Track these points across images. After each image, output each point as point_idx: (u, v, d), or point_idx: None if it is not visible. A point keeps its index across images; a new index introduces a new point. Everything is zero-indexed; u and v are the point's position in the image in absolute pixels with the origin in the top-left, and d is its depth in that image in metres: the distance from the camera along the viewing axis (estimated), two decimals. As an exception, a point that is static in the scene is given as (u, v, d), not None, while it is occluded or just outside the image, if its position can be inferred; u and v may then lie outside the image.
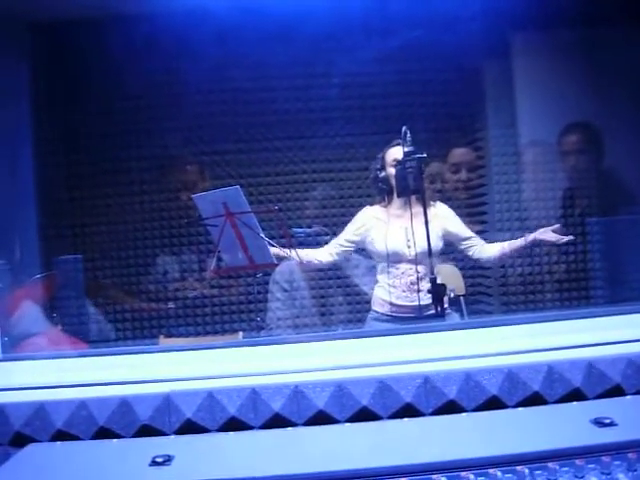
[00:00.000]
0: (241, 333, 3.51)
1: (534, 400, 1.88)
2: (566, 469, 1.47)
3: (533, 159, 3.70)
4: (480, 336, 2.06)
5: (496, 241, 3.17)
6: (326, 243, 3.34)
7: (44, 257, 3.27)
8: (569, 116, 3.55)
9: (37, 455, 1.75)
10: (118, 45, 3.19)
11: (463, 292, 3.38)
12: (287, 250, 3.03)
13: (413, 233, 2.89)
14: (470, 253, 3.08)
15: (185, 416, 1.86)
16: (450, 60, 3.50)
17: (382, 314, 3.06)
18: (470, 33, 3.32)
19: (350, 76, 3.57)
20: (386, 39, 3.40)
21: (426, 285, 2.87)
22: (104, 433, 1.86)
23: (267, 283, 3.46)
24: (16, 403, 1.89)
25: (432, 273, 2.70)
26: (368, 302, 3.26)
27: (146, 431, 1.85)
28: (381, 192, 3.09)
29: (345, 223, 3.53)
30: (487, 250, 3.08)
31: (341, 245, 3.13)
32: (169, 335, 3.54)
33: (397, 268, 3.01)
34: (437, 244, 2.97)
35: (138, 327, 3.57)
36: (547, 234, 2.99)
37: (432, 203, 3.03)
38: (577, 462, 1.47)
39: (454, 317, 3.05)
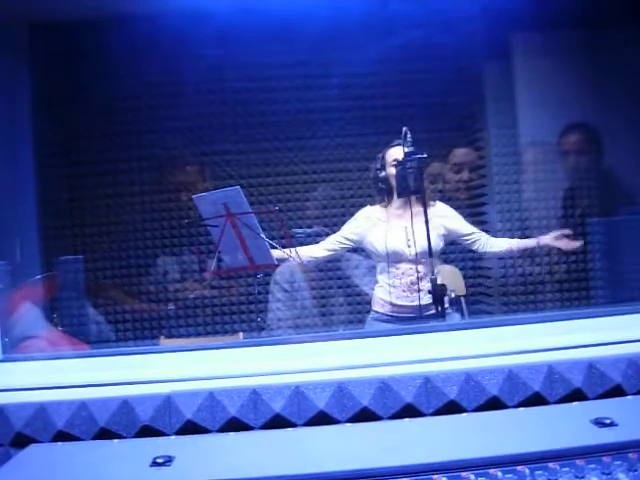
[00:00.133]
0: (242, 334, 3.51)
1: (535, 400, 1.88)
2: (567, 469, 1.47)
3: (533, 159, 3.70)
4: (481, 336, 2.06)
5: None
6: (325, 242, 3.35)
7: (44, 257, 3.27)
8: (569, 116, 3.55)
9: (38, 456, 1.75)
10: (118, 45, 3.19)
11: (463, 292, 3.38)
12: (287, 251, 3.04)
13: (413, 233, 2.89)
14: (475, 247, 3.09)
15: (186, 417, 1.86)
16: (450, 60, 3.50)
17: (382, 314, 3.06)
18: (471, 33, 3.33)
19: (350, 77, 3.57)
20: (386, 39, 3.40)
21: (426, 285, 2.87)
22: (105, 434, 1.86)
23: (267, 284, 3.46)
24: (17, 404, 1.89)
25: (432, 273, 2.70)
26: (368, 302, 3.27)
27: (147, 432, 1.85)
28: (381, 192, 3.09)
29: (345, 223, 3.54)
30: (494, 244, 3.10)
31: (338, 242, 3.13)
32: (169, 336, 3.54)
33: (397, 268, 3.01)
34: (437, 244, 2.97)
35: (138, 328, 3.57)
36: (561, 240, 3.00)
37: (432, 203, 3.03)
38: (578, 462, 1.47)
39: (454, 317, 3.05)
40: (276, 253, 3.01)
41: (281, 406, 1.87)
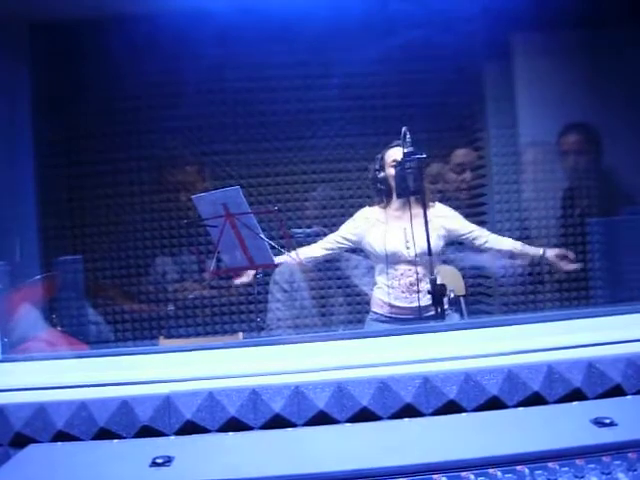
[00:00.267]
0: (241, 334, 3.51)
1: (534, 400, 1.88)
2: (566, 469, 1.47)
3: (533, 159, 3.70)
4: (480, 336, 2.06)
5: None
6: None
7: (44, 258, 3.27)
8: (569, 116, 3.55)
9: (37, 456, 1.75)
10: (118, 45, 3.19)
11: (463, 292, 3.38)
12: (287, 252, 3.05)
13: (412, 234, 2.89)
14: (477, 244, 3.07)
15: (185, 417, 1.86)
16: (450, 60, 3.50)
17: (381, 315, 3.06)
18: (470, 33, 3.33)
19: (350, 77, 3.57)
20: (386, 39, 3.40)
21: (425, 286, 2.87)
22: (104, 434, 1.85)
23: (267, 284, 3.46)
24: (16, 404, 1.88)
25: (432, 274, 2.69)
26: (368, 303, 3.27)
27: (146, 432, 1.85)
28: (380, 193, 3.09)
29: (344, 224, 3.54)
30: (497, 242, 3.09)
31: (336, 242, 3.13)
32: (169, 336, 3.55)
33: (396, 269, 3.01)
34: (437, 244, 2.96)
35: (138, 328, 3.57)
36: (562, 261, 3.02)
37: (431, 204, 3.03)
38: (577, 462, 1.47)
39: (454, 317, 3.05)
40: (282, 259, 3.05)
41: (281, 406, 1.87)
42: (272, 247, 2.99)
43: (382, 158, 3.06)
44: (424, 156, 2.72)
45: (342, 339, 2.13)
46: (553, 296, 3.55)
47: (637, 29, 3.16)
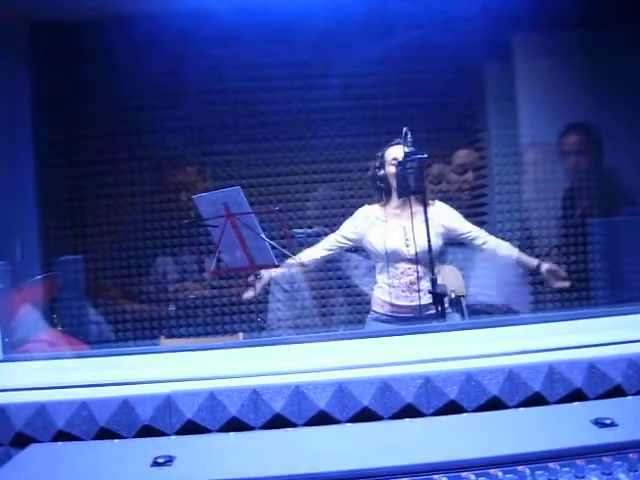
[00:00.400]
0: (242, 334, 3.51)
1: (535, 400, 1.88)
2: (567, 469, 1.47)
3: (534, 159, 3.70)
4: (481, 336, 2.06)
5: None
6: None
7: (45, 258, 3.27)
8: (570, 117, 3.55)
9: (38, 455, 1.75)
10: (118, 46, 3.19)
11: (463, 292, 3.38)
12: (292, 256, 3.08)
13: (412, 232, 2.89)
14: (476, 244, 3.07)
15: (186, 417, 1.86)
16: (451, 60, 3.49)
17: (382, 314, 3.06)
18: (471, 33, 3.33)
19: (351, 77, 3.57)
20: (387, 39, 3.40)
21: (426, 285, 2.87)
22: (105, 433, 1.86)
23: (268, 284, 3.46)
24: (17, 404, 1.89)
25: (432, 273, 2.70)
26: (368, 302, 3.26)
27: (147, 431, 1.85)
28: (379, 191, 3.09)
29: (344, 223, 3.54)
30: (495, 245, 3.09)
31: (337, 241, 3.13)
32: (170, 336, 3.55)
33: (396, 268, 3.01)
34: (436, 243, 2.96)
35: (139, 328, 3.57)
36: (554, 277, 3.04)
37: (431, 202, 3.03)
38: (578, 462, 1.47)
39: (455, 317, 3.05)
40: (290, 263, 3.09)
41: (281, 406, 1.87)
42: (273, 247, 2.99)
43: (382, 156, 3.06)
44: (425, 156, 2.72)
45: (343, 339, 2.13)
46: (554, 297, 3.55)
47: (638, 29, 3.16)
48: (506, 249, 3.11)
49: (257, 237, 2.92)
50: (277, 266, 3.12)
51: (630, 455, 1.48)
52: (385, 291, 3.04)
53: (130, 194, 3.68)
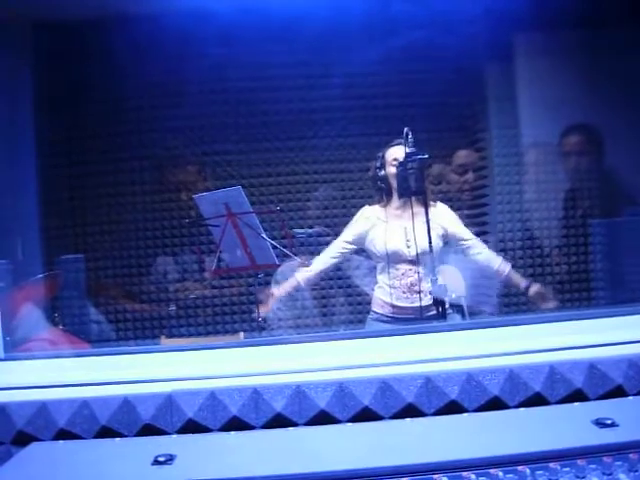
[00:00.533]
0: (242, 333, 3.51)
1: (536, 401, 1.88)
2: (567, 469, 1.47)
3: (535, 160, 3.70)
4: (482, 337, 2.06)
5: (503, 250, 3.25)
6: (327, 244, 3.35)
7: (46, 257, 3.27)
8: (571, 117, 3.55)
9: (39, 454, 1.75)
10: (120, 45, 3.20)
11: (464, 293, 3.37)
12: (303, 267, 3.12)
13: (413, 233, 2.89)
14: (470, 253, 3.07)
15: (187, 416, 1.86)
16: (452, 61, 3.49)
17: (382, 315, 3.06)
18: (473, 34, 3.33)
19: (352, 77, 3.57)
20: (388, 40, 3.40)
21: (426, 286, 2.87)
22: (106, 432, 1.86)
23: (268, 283, 3.46)
24: (19, 402, 1.89)
25: (433, 274, 2.70)
26: (368, 303, 3.26)
27: (148, 430, 1.85)
28: (380, 191, 3.09)
29: (347, 224, 3.54)
30: (489, 259, 3.08)
31: (342, 247, 3.13)
32: (170, 335, 3.55)
33: (397, 269, 3.01)
34: (437, 244, 2.96)
35: (139, 327, 3.57)
36: (541, 301, 3.09)
37: (432, 203, 3.03)
38: (578, 462, 1.47)
39: (455, 318, 3.05)
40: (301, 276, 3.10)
41: (282, 405, 1.87)
42: (274, 247, 2.99)
43: (383, 156, 3.06)
44: (426, 156, 2.72)
45: (343, 339, 2.13)
46: (555, 297, 3.55)
47: (638, 29, 3.16)
48: (498, 264, 3.09)
49: (258, 237, 2.92)
50: (278, 265, 3.13)
51: (630, 455, 1.48)
52: (386, 292, 3.04)
53: (131, 193, 3.68)
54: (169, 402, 1.87)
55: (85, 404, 1.87)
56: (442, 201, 3.17)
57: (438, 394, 1.88)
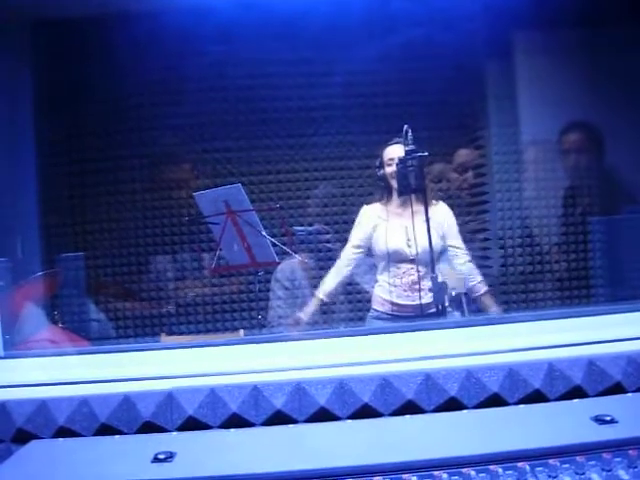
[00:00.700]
0: (242, 331, 3.52)
1: (535, 397, 1.88)
2: (567, 466, 1.47)
3: (534, 158, 3.70)
4: (481, 334, 2.06)
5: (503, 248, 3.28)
6: (327, 242, 3.36)
7: (46, 255, 3.27)
8: (571, 115, 3.55)
9: (39, 452, 1.76)
10: (119, 43, 3.20)
11: (464, 290, 3.38)
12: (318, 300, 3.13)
13: (414, 232, 2.89)
14: (454, 262, 3.06)
15: (187, 413, 1.86)
16: (452, 59, 3.49)
17: (382, 313, 3.07)
18: (472, 32, 3.33)
19: (352, 74, 3.57)
20: (388, 37, 3.40)
21: (427, 284, 2.87)
22: (106, 430, 1.86)
23: (268, 281, 3.47)
24: (18, 400, 1.89)
25: (433, 271, 2.70)
26: (369, 301, 3.27)
27: (148, 428, 1.85)
28: (381, 190, 3.10)
29: (346, 222, 3.56)
30: (468, 274, 3.06)
31: (353, 253, 3.13)
32: (170, 333, 3.55)
33: (398, 267, 3.01)
34: (437, 242, 2.96)
35: (139, 325, 3.58)
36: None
37: (434, 202, 3.03)
38: (578, 459, 1.47)
39: (455, 315, 3.05)
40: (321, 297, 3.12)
41: (282, 402, 1.87)
42: (274, 244, 3.00)
43: (381, 156, 3.07)
44: (425, 154, 2.72)
45: (343, 336, 2.13)
46: (554, 294, 3.56)
47: (638, 27, 3.16)
48: (476, 282, 3.07)
49: (258, 234, 2.92)
50: (278, 263, 3.13)
51: (630, 452, 1.48)
52: (386, 290, 3.04)
53: (131, 191, 3.69)
54: (169, 399, 1.87)
55: (85, 402, 1.87)
56: (442, 199, 3.18)
57: (438, 391, 1.88)
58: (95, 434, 1.86)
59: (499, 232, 3.65)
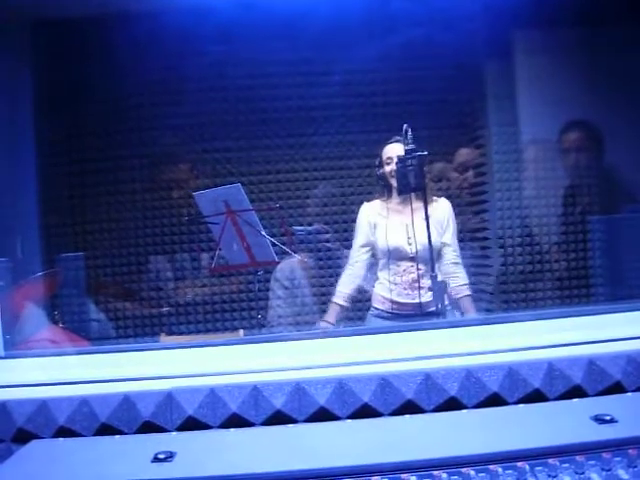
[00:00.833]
0: (242, 331, 3.52)
1: (535, 397, 1.88)
2: (566, 465, 1.47)
3: (534, 157, 3.70)
4: (481, 333, 2.07)
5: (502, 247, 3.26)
6: (327, 241, 3.36)
7: (46, 255, 3.27)
8: (570, 114, 3.55)
9: (39, 451, 1.76)
10: (119, 43, 3.19)
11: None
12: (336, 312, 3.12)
13: (414, 230, 2.89)
14: (442, 259, 3.04)
15: (187, 413, 1.86)
16: (452, 58, 3.50)
17: (383, 311, 3.07)
18: (472, 31, 3.33)
19: (351, 74, 3.57)
20: (388, 37, 3.40)
21: (427, 283, 2.87)
22: (106, 430, 1.86)
23: (268, 281, 3.47)
24: (19, 400, 1.89)
25: (433, 270, 2.70)
26: (368, 299, 3.27)
27: (148, 428, 1.86)
28: (381, 189, 3.11)
29: (346, 221, 3.56)
30: (453, 274, 3.03)
31: (361, 253, 3.11)
32: (170, 333, 3.55)
33: (398, 265, 3.01)
34: (437, 240, 2.96)
35: (139, 325, 3.58)
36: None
37: (435, 199, 3.04)
38: (577, 458, 1.47)
39: (454, 314, 3.05)
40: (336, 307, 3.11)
41: (282, 402, 1.87)
42: (273, 244, 3.00)
43: (380, 155, 3.08)
44: (425, 153, 2.72)
45: (343, 336, 2.13)
46: (554, 293, 3.56)
47: (637, 27, 3.16)
48: (459, 284, 3.04)
49: (257, 234, 2.92)
50: (277, 263, 3.13)
51: (630, 451, 1.48)
52: (386, 288, 3.04)
53: (130, 191, 3.69)
54: (169, 399, 1.87)
55: (85, 402, 1.87)
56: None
57: (437, 390, 1.88)
58: (95, 434, 1.86)
59: (499, 231, 3.65)
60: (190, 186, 3.55)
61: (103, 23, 3.24)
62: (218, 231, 2.98)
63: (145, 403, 1.87)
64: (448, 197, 3.36)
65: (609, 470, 1.45)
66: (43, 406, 1.88)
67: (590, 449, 1.49)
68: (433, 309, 2.73)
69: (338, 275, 3.64)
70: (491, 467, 1.47)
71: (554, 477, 1.45)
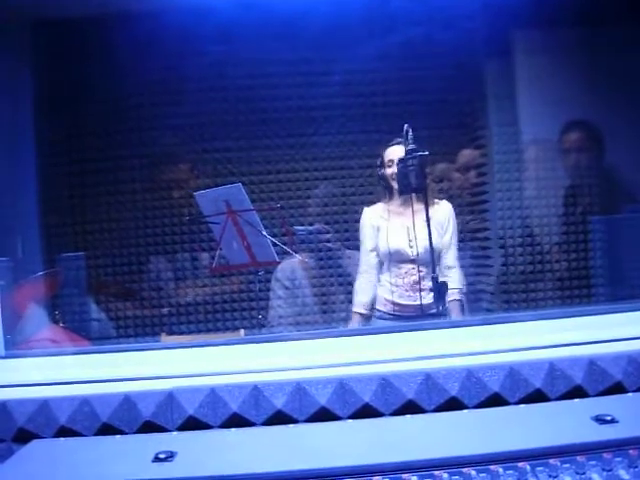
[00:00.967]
0: (243, 331, 3.52)
1: (536, 397, 1.88)
2: (567, 465, 1.47)
3: (535, 157, 3.70)
4: (482, 333, 2.07)
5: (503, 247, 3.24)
6: (327, 241, 3.35)
7: (46, 254, 3.27)
8: (570, 114, 3.55)
9: (40, 451, 1.76)
10: (119, 43, 3.19)
11: (465, 289, 3.37)
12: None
13: (415, 232, 2.89)
14: (442, 262, 3.04)
15: (187, 413, 1.86)
16: (452, 58, 3.50)
17: (385, 313, 3.07)
18: (472, 31, 3.33)
19: (352, 74, 3.57)
20: (388, 36, 3.40)
21: (429, 284, 2.87)
22: (107, 429, 1.86)
23: (269, 281, 3.47)
24: (19, 400, 1.89)
25: (434, 272, 2.70)
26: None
27: (149, 427, 1.86)
28: (382, 190, 3.11)
29: (347, 221, 3.56)
30: (447, 276, 3.01)
31: (371, 257, 3.10)
32: (171, 333, 3.55)
33: (399, 267, 3.01)
34: (437, 242, 2.96)
35: (140, 325, 3.58)
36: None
37: (437, 201, 3.04)
38: (578, 459, 1.47)
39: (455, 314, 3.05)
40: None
41: (282, 402, 1.87)
42: (274, 244, 3.00)
43: (382, 157, 3.08)
44: (426, 153, 2.72)
45: (344, 336, 2.13)
46: (554, 293, 3.56)
47: (637, 26, 3.16)
48: (450, 287, 2.93)
49: (258, 234, 2.92)
50: (278, 263, 3.13)
51: (630, 451, 1.48)
52: (388, 290, 3.05)
53: (131, 191, 3.69)
54: (169, 399, 1.87)
55: (86, 401, 1.87)
56: (443, 199, 3.17)
57: (438, 391, 1.88)
58: (96, 434, 1.86)
59: (499, 232, 3.65)
60: (190, 186, 3.55)
61: (103, 23, 3.24)
62: (219, 231, 2.99)
63: (146, 403, 1.87)
64: (449, 198, 3.36)
65: (610, 470, 1.45)
66: (44, 406, 1.87)
67: (591, 449, 1.49)
68: (434, 310, 2.73)
69: (339, 275, 3.67)
70: (492, 467, 1.47)
71: (555, 477, 1.45)
